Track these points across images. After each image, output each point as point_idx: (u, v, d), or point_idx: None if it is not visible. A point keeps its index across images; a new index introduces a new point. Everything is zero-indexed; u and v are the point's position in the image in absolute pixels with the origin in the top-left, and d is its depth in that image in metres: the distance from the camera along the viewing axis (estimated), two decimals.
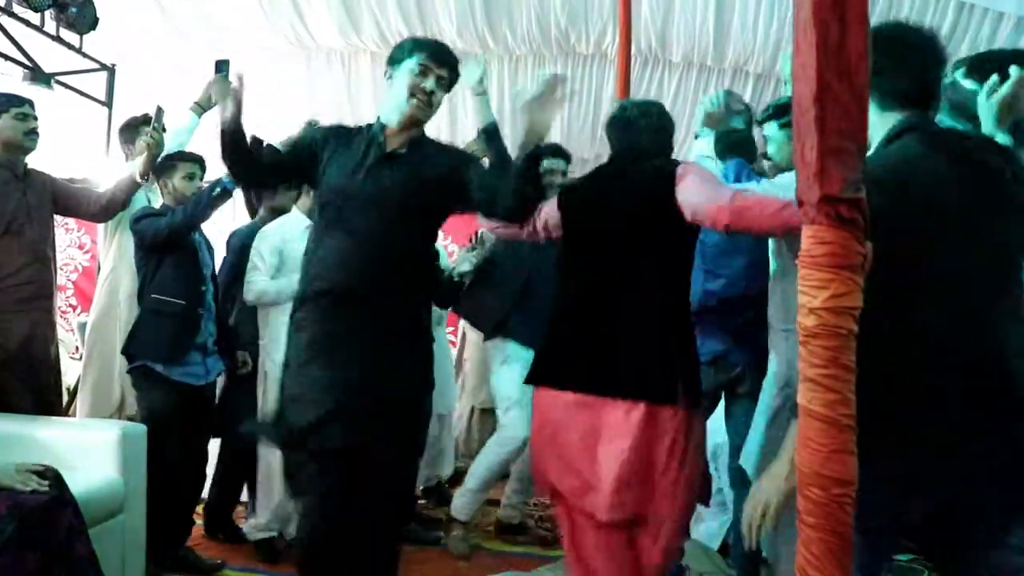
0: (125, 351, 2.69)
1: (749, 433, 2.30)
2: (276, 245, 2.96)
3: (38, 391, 2.68)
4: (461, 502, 3.09)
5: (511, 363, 3.05)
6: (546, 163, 3.05)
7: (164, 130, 2.93)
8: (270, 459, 2.94)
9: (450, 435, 3.85)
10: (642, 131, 2.10)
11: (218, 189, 2.67)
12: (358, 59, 5.49)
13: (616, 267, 1.98)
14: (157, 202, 2.97)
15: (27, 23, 3.69)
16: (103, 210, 2.96)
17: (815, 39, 1.02)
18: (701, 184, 1.88)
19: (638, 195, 1.99)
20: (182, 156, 2.86)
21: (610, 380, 1.93)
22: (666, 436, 1.89)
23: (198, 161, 2.86)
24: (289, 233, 2.98)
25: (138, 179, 2.87)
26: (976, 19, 4.65)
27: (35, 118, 2.79)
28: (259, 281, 2.92)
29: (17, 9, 3.56)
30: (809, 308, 1.08)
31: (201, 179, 2.84)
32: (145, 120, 3.04)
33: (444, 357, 3.58)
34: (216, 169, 2.87)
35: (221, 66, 3.02)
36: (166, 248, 2.67)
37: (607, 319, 1.96)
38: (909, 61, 1.42)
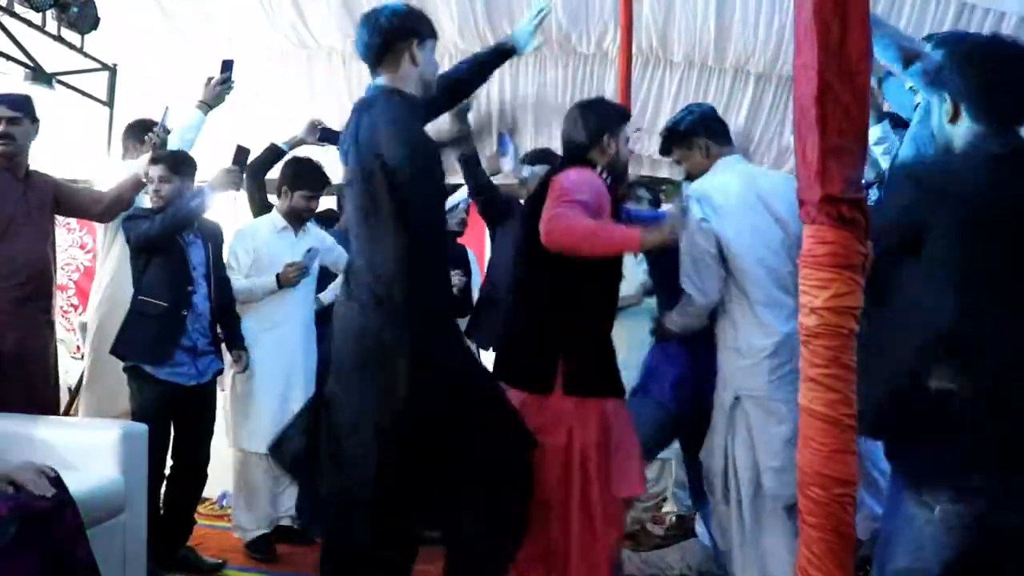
0: (114, 351, 2.71)
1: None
2: (251, 246, 3.07)
3: (35, 391, 2.67)
4: None
5: None
6: (536, 168, 3.06)
7: (169, 131, 2.95)
8: (248, 464, 2.99)
9: None
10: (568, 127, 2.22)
11: (198, 199, 2.68)
12: (359, 59, 5.47)
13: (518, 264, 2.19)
14: None
15: (28, 23, 3.69)
16: (107, 210, 2.97)
17: (816, 39, 1.02)
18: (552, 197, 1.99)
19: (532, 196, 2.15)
20: (156, 158, 2.77)
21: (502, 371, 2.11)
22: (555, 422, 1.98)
23: (163, 162, 2.75)
24: (266, 234, 3.10)
25: (142, 179, 2.87)
26: (977, 19, 4.64)
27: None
28: (233, 280, 2.99)
29: (18, 9, 3.56)
30: (811, 308, 1.08)
31: (174, 183, 2.73)
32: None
33: None
34: (209, 170, 2.90)
35: (227, 66, 3.12)
36: (150, 250, 2.68)
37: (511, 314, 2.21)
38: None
